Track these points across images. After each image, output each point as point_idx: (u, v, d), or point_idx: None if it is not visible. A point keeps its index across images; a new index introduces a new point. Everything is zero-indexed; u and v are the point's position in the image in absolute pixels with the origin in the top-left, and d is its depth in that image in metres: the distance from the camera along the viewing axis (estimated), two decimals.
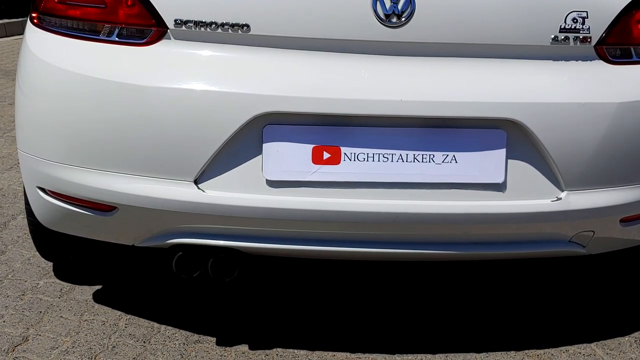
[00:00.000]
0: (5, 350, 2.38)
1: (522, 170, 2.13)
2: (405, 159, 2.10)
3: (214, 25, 2.06)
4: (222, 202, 2.09)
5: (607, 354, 2.49)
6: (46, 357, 2.36)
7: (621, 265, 3.07)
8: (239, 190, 2.09)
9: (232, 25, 2.06)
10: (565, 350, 2.50)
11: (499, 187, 2.14)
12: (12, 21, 9.30)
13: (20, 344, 2.43)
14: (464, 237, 2.22)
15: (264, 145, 2.07)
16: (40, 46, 2.19)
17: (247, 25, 2.06)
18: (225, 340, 2.49)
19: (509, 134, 2.11)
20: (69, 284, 2.82)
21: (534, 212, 2.15)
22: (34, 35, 2.24)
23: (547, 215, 2.16)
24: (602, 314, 2.73)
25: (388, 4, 2.04)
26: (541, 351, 2.49)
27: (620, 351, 2.51)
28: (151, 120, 2.05)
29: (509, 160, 2.13)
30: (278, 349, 2.45)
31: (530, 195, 2.15)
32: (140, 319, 2.60)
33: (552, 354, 2.47)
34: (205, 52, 2.09)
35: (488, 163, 2.12)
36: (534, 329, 2.62)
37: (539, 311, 2.74)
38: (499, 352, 2.47)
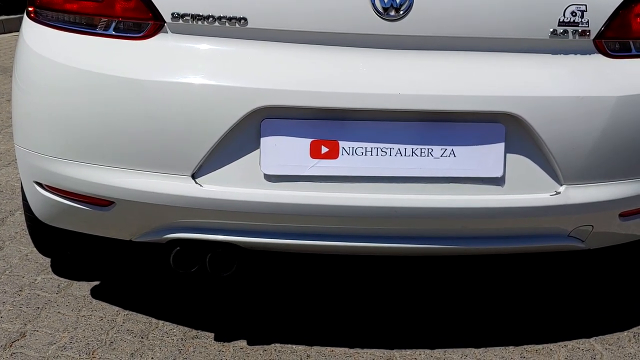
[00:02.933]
0: (3, 346, 2.38)
1: (520, 164, 2.13)
2: (403, 153, 2.10)
3: (211, 19, 2.05)
4: (220, 196, 2.08)
5: (606, 349, 2.48)
6: (44, 352, 2.36)
7: (620, 260, 3.07)
8: (236, 185, 2.08)
9: (230, 19, 2.05)
10: (564, 345, 2.50)
11: (498, 181, 2.13)
12: (10, 17, 9.27)
13: (18, 340, 2.42)
14: (462, 232, 2.22)
15: (262, 139, 2.07)
16: (37, 40, 2.18)
17: (245, 19, 2.05)
18: (223, 336, 2.48)
19: (507, 128, 2.11)
20: (67, 280, 2.81)
21: (532, 206, 2.14)
22: (30, 29, 2.23)
23: (545, 209, 2.16)
24: (601, 309, 2.73)
25: None
26: (540, 346, 2.48)
27: (619, 346, 2.50)
28: (148, 114, 2.04)
29: (507, 154, 2.12)
30: (276, 344, 2.44)
31: (529, 190, 2.14)
32: (138, 314, 2.60)
33: (551, 349, 2.47)
34: (203, 45, 2.08)
35: (487, 157, 2.11)
36: (533, 324, 2.61)
37: (538, 306, 2.73)
38: (498, 347, 2.47)
